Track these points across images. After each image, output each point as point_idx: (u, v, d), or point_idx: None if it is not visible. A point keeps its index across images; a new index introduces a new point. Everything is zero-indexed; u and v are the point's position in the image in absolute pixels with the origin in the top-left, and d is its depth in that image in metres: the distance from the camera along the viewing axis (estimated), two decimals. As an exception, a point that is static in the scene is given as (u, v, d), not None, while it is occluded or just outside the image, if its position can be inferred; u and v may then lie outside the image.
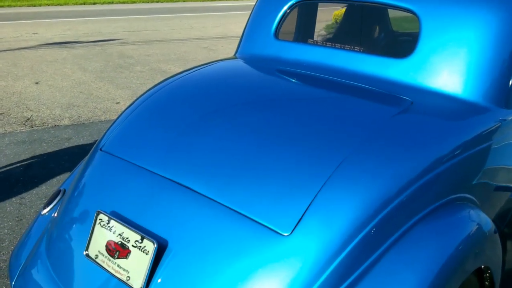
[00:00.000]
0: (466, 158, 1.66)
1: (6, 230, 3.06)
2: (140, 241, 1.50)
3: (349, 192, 1.42)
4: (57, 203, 2.04)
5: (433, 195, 1.56)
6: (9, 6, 14.90)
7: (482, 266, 1.64)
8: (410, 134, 1.63)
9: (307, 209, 1.39)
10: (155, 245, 1.45)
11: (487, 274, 1.69)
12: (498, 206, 2.01)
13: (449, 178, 1.61)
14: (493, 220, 1.87)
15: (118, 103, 5.72)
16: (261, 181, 1.50)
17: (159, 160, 1.69)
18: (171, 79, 2.14)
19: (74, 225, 1.75)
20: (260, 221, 1.40)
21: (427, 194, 1.54)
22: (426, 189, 1.52)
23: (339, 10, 4.04)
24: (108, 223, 1.59)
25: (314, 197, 1.41)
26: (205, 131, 1.74)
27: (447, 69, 1.86)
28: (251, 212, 1.43)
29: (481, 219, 1.65)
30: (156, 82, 2.25)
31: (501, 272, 1.78)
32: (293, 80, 2.10)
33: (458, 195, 1.65)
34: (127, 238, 1.53)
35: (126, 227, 1.54)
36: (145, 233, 1.51)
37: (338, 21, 4.20)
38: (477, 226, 1.62)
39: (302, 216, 1.38)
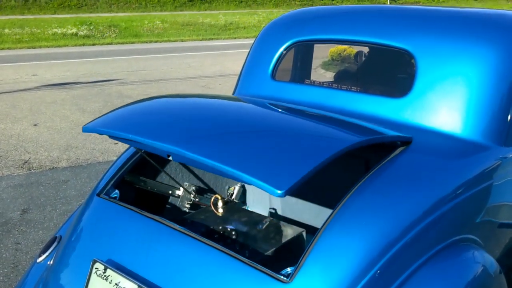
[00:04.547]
0: (467, 198, 1.63)
1: (1, 277, 3.00)
2: (137, 291, 1.45)
3: (351, 235, 1.39)
4: (52, 250, 2.00)
5: (436, 236, 1.53)
6: (9, 48, 15.09)
7: (489, 309, 1.60)
8: (410, 174, 1.61)
9: (308, 254, 1.35)
10: (152, 296, 1.41)
11: (495, 316, 1.64)
12: (503, 244, 1.98)
13: (452, 219, 1.58)
14: (499, 259, 1.83)
15: (116, 143, 5.71)
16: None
17: None
18: None
19: (70, 274, 1.71)
20: (261, 268, 1.37)
21: (430, 236, 1.50)
22: (428, 231, 1.49)
23: (335, 48, 4.08)
24: (104, 272, 1.55)
25: (315, 242, 1.37)
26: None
27: (444, 108, 1.86)
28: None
29: (485, 260, 1.62)
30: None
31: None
32: (291, 115, 2.08)
33: (461, 236, 1.62)
34: (123, 288, 1.49)
35: (123, 276, 1.50)
36: (142, 282, 1.47)
37: (334, 58, 4.25)
38: (482, 267, 1.58)
39: (303, 261, 1.35)
